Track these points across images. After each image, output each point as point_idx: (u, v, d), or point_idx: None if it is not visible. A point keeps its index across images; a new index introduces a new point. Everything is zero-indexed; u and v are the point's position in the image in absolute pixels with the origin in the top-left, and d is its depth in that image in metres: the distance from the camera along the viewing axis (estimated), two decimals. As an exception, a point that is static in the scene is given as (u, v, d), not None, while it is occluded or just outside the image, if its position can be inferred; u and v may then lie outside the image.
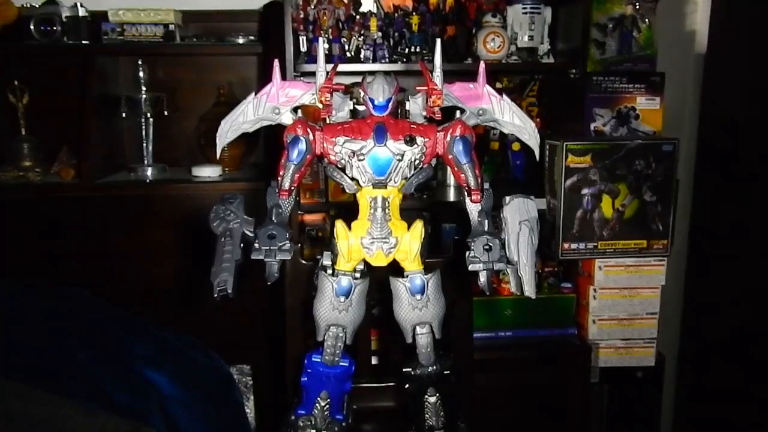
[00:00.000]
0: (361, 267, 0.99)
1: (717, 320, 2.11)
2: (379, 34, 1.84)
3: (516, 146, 1.92)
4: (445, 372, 1.01)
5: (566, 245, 1.71)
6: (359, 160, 0.92)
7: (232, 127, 0.99)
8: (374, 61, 1.82)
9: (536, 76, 2.03)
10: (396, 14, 1.89)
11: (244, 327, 1.98)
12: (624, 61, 1.90)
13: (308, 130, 0.93)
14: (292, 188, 0.94)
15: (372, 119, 0.94)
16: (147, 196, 1.97)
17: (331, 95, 0.95)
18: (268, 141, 2.01)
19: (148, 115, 2.01)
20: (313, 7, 1.83)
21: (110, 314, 1.41)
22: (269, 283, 0.94)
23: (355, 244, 0.95)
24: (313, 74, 1.17)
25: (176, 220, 1.95)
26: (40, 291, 1.42)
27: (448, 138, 0.94)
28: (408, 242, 0.96)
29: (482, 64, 1.00)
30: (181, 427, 1.22)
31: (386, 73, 0.97)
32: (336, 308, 0.97)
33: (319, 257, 1.02)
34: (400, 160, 0.92)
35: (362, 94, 0.96)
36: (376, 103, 0.94)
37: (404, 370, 1.02)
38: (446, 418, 1.02)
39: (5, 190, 1.91)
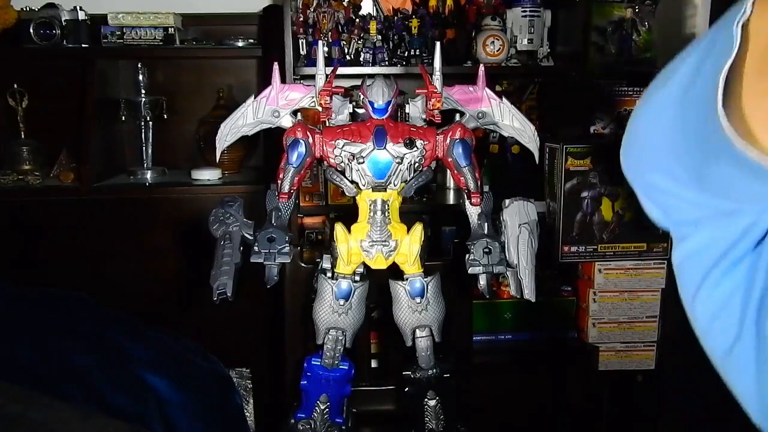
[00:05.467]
0: (360, 270, 0.99)
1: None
2: (379, 37, 1.84)
3: (515, 149, 1.92)
4: (445, 375, 1.01)
5: (566, 248, 1.71)
6: (359, 163, 0.92)
7: (231, 130, 0.99)
8: (374, 64, 1.82)
9: (536, 79, 2.03)
10: (395, 17, 1.89)
11: (243, 330, 1.98)
12: (624, 64, 1.90)
13: (308, 133, 0.93)
14: (292, 191, 0.95)
15: (372, 122, 0.94)
16: (146, 200, 1.97)
17: (331, 98, 0.95)
18: (268, 144, 2.01)
19: (148, 118, 2.01)
20: (312, 10, 1.83)
21: (109, 317, 1.40)
22: (269, 287, 0.94)
23: (355, 247, 0.95)
24: (312, 77, 1.17)
25: (176, 223, 1.95)
26: (39, 294, 1.42)
27: (448, 141, 0.94)
28: (408, 245, 0.96)
29: (482, 68, 1.00)
30: (180, 430, 1.22)
31: (386, 76, 0.97)
32: (335, 311, 0.97)
33: (318, 260, 1.02)
34: (399, 163, 0.92)
35: (362, 97, 0.96)
36: (375, 106, 0.94)
37: (404, 373, 1.02)
38: (446, 421, 1.02)
39: (5, 193, 1.91)
